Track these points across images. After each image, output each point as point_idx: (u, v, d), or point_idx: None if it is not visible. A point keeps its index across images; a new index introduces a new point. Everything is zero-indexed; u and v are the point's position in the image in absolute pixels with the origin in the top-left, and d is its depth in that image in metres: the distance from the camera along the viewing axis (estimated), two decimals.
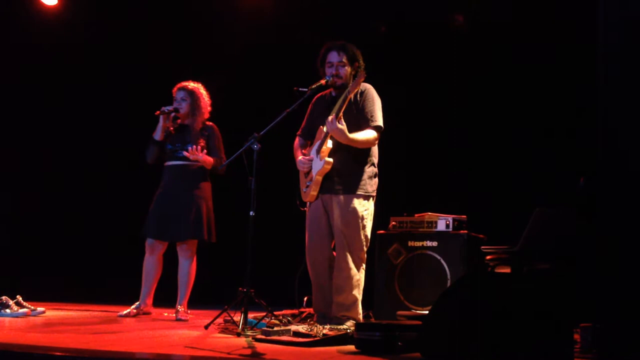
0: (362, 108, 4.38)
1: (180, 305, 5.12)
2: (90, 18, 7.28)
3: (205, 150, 5.13)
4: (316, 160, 4.41)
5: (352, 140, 4.25)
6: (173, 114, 5.25)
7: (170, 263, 5.37)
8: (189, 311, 5.14)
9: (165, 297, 5.49)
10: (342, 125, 4.19)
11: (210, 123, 5.32)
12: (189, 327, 4.53)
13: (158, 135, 5.22)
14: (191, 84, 5.30)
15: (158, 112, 5.19)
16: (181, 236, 5.13)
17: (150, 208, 5.22)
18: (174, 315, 5.10)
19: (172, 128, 5.28)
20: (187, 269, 5.17)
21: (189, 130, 5.24)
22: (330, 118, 4.19)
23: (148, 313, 5.23)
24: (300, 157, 4.55)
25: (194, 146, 5.06)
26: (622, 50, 3.38)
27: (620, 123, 3.37)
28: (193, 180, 5.17)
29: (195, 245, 5.22)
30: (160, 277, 5.31)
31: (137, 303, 5.23)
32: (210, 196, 5.24)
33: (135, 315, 5.14)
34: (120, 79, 7.26)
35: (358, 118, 4.36)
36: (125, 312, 5.18)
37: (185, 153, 5.09)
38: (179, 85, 5.32)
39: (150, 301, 5.28)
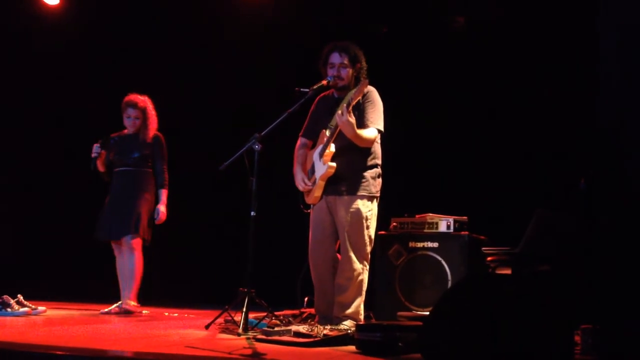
0: (362, 110, 4.38)
1: (127, 298, 5.38)
2: (91, 17, 7.28)
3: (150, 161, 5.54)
4: (319, 164, 4.40)
5: (358, 135, 4.23)
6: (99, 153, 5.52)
7: (162, 263, 5.47)
8: (136, 303, 5.39)
9: (162, 296, 5.53)
10: (352, 119, 4.18)
11: (157, 132, 5.60)
12: (189, 326, 4.53)
13: (100, 168, 5.57)
14: (140, 99, 5.55)
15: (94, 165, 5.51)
16: (123, 233, 5.40)
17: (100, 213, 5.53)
18: (118, 306, 5.38)
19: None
20: (131, 264, 5.40)
21: (137, 140, 5.52)
22: (340, 111, 4.19)
23: (130, 312, 5.34)
24: (301, 177, 4.51)
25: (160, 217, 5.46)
26: (622, 51, 3.39)
27: (620, 124, 3.37)
28: (140, 183, 5.50)
29: (139, 242, 5.43)
30: (155, 278, 5.44)
31: (119, 302, 5.44)
32: (154, 198, 5.52)
33: (117, 314, 5.30)
34: (120, 79, 7.26)
35: (360, 120, 4.35)
36: (106, 309, 5.36)
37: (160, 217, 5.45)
38: (127, 100, 5.56)
39: (129, 298, 5.42)
